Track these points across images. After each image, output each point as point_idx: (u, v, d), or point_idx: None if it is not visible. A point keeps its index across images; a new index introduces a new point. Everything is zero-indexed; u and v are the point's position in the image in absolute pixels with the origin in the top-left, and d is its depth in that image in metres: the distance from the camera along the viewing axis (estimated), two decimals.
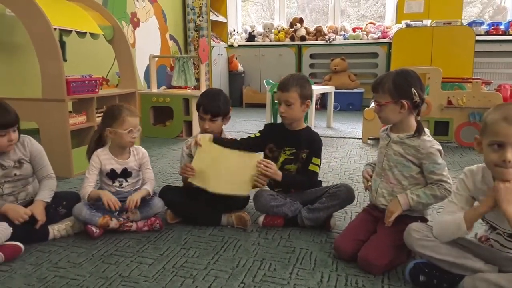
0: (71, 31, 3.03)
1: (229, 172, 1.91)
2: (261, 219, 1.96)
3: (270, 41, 6.81)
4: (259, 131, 2.07)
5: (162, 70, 5.47)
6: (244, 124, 4.98)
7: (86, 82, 2.92)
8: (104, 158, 1.94)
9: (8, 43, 3.22)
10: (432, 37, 5.26)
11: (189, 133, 4.21)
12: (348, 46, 6.32)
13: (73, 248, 1.74)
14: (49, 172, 1.92)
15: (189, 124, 4.20)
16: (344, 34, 6.44)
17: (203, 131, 2.03)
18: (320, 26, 6.68)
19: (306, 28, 6.69)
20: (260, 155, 1.93)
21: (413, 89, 1.56)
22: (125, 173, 1.97)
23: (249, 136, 2.07)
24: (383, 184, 1.68)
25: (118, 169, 1.95)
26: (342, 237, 1.68)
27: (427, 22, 5.46)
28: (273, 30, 6.89)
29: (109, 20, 3.48)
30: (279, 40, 6.72)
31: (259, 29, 7.05)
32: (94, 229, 1.81)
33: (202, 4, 5.85)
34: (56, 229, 1.82)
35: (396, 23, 6.02)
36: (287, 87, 1.92)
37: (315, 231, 1.89)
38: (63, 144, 2.70)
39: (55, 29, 2.72)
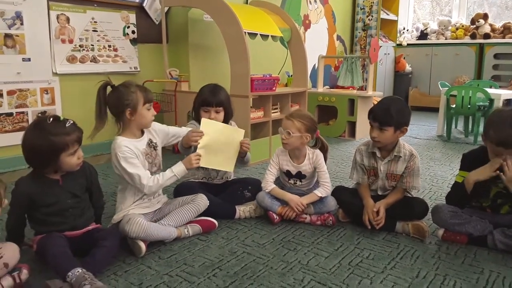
0: (256, 34, 3.34)
1: (221, 147, 1.99)
2: (440, 232, 1.83)
3: (446, 39, 6.23)
4: (462, 167, 1.82)
5: (326, 70, 5.55)
6: (410, 128, 4.65)
7: (266, 81, 3.19)
8: (282, 159, 2.08)
9: (202, 45, 3.73)
10: None
11: (352, 133, 4.19)
12: None
13: (256, 230, 1.93)
14: None
15: (352, 125, 4.18)
16: None
17: (372, 140, 1.93)
18: (509, 23, 5.80)
19: (491, 25, 5.90)
20: (242, 131, 2.09)
21: None
22: (299, 175, 2.07)
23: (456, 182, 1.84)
24: None
25: (293, 171, 2.07)
26: None
27: None
28: (449, 27, 6.28)
29: (288, 22, 3.70)
30: (456, 38, 6.10)
31: (433, 26, 6.51)
32: (274, 215, 1.98)
33: (373, 2, 5.71)
34: (242, 210, 2.05)
35: None
36: None
37: (508, 254, 1.67)
38: (245, 135, 2.99)
39: (244, 32, 3.03)
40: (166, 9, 3.47)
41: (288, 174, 2.08)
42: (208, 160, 1.93)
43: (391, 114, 1.83)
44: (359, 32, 5.90)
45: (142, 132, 1.83)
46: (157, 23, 3.48)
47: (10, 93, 2.70)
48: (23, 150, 1.52)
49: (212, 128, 1.95)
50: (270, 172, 2.07)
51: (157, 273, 1.53)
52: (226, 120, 2.19)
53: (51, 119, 1.51)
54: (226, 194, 2.13)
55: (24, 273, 1.43)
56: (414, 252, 1.72)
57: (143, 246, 1.65)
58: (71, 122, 1.54)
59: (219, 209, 2.00)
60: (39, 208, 1.54)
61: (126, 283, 1.46)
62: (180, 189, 2.03)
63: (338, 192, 2.07)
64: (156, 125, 1.90)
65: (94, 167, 1.72)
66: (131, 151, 1.71)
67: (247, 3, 4.05)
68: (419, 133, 4.43)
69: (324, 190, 2.00)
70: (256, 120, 3.16)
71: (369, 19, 5.78)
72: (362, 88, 4.75)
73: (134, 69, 3.37)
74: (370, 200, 1.93)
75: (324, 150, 2.10)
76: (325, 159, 2.10)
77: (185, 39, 3.58)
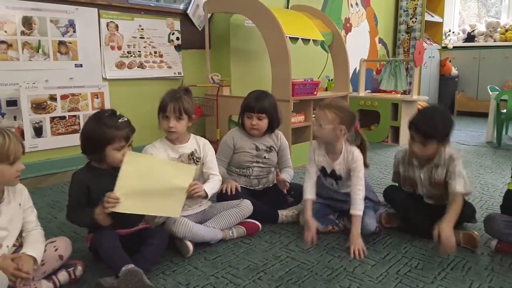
0: (297, 38, 3.33)
1: (161, 189, 1.58)
2: (493, 243, 1.75)
3: (494, 41, 5.95)
4: None
5: (367, 74, 5.45)
6: (457, 134, 4.51)
7: (307, 85, 3.17)
8: (318, 154, 1.93)
9: (244, 50, 3.77)
10: None
11: (395, 139, 4.08)
12: None
13: (299, 234, 1.91)
14: (290, 165, 2.22)
15: (396, 130, 4.07)
16: None
17: (412, 153, 1.83)
18: None
19: None
20: (192, 168, 1.69)
21: None
22: (334, 175, 1.91)
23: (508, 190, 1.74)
24: None
25: (328, 168, 1.91)
26: None
27: None
28: (498, 29, 6.00)
29: (330, 26, 3.67)
30: (506, 40, 5.81)
31: (481, 28, 6.24)
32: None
33: (417, 4, 5.55)
34: (284, 215, 2.05)
35: None
36: None
37: None
38: (286, 139, 2.99)
39: (286, 37, 3.04)
40: (209, 15, 3.54)
41: (323, 172, 1.91)
42: (130, 204, 1.51)
43: (436, 126, 1.71)
44: (402, 35, 5.76)
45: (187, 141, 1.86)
46: (200, 29, 3.56)
47: (63, 97, 2.85)
48: (80, 136, 1.60)
49: (139, 164, 1.55)
50: (309, 173, 1.90)
51: (203, 274, 1.55)
52: (271, 129, 2.16)
53: (110, 112, 1.60)
54: (268, 199, 2.13)
55: (79, 270, 1.50)
56: (465, 263, 1.65)
57: (190, 246, 1.68)
58: (125, 119, 1.60)
59: (261, 213, 2.00)
60: (93, 198, 1.55)
61: (174, 283, 1.49)
62: (224, 194, 2.05)
63: (391, 191, 2.01)
64: (207, 147, 1.90)
65: None
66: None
67: (288, 7, 4.06)
68: (467, 139, 4.25)
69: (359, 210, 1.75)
70: (297, 124, 3.16)
71: (412, 21, 5.62)
72: (405, 92, 4.63)
73: (178, 74, 3.45)
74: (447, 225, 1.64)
75: (363, 147, 1.88)
76: (365, 162, 1.85)
77: (227, 44, 3.63)
